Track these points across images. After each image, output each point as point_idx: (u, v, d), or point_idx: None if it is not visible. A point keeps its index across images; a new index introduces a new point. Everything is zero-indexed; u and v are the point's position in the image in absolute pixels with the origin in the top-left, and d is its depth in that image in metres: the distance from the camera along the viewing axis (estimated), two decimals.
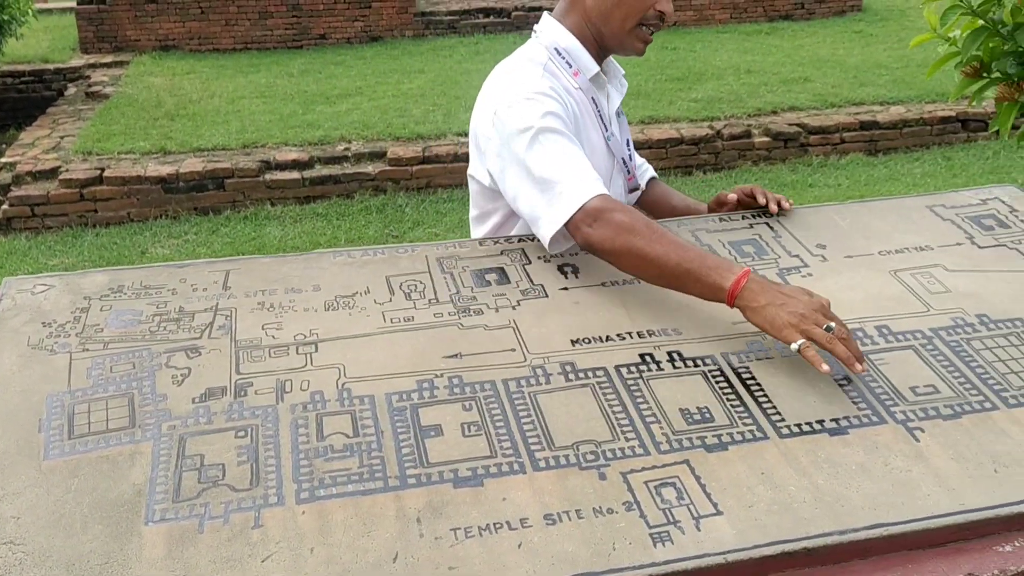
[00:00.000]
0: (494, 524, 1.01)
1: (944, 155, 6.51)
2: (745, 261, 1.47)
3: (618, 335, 1.31)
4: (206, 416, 1.13)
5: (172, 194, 5.54)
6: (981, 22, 2.30)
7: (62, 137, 6.35)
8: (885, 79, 7.72)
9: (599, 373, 1.24)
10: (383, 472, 1.07)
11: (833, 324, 1.19)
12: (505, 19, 9.94)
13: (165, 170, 5.57)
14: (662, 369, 1.25)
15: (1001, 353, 1.27)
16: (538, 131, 1.42)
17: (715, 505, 1.04)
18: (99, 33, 9.08)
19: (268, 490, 1.04)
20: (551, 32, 1.59)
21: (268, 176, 5.73)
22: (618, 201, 1.38)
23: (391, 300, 1.36)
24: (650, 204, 1.83)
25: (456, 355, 1.26)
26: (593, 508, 1.04)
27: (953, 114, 6.73)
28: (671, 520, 1.02)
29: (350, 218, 5.53)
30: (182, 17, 9.13)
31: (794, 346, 1.19)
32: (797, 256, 1.49)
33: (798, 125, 6.60)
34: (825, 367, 1.16)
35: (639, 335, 1.31)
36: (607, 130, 1.62)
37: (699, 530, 1.01)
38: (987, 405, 1.18)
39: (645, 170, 1.86)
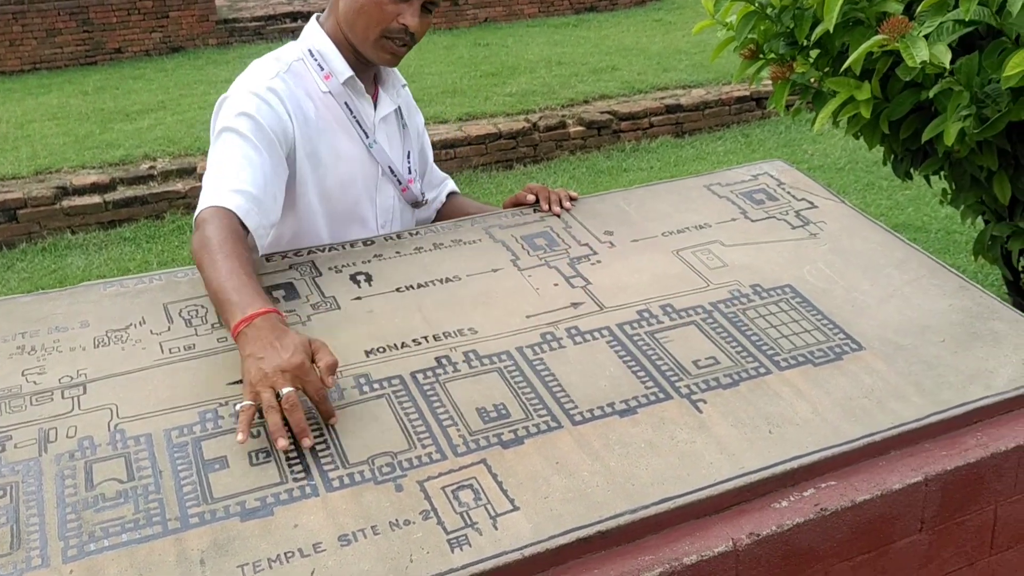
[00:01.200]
0: (285, 554, 0.97)
1: (743, 132, 6.93)
2: (538, 254, 1.49)
3: (413, 340, 1.29)
4: None
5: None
6: (751, 7, 2.43)
7: None
8: (685, 64, 8.12)
9: (395, 382, 1.21)
10: (161, 515, 1.00)
11: (288, 390, 1.08)
12: None
13: None
14: (459, 371, 1.24)
15: (772, 319, 1.35)
16: (224, 129, 1.42)
17: (511, 501, 1.04)
18: None
19: (31, 552, 0.95)
20: (310, 33, 1.56)
21: (66, 202, 5.34)
22: (225, 216, 1.32)
23: (169, 329, 1.28)
24: (447, 217, 1.78)
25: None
26: (389, 522, 1.01)
27: (748, 94, 7.16)
28: (469, 523, 1.01)
29: (161, 240, 5.23)
30: None
31: (238, 406, 1.11)
32: (587, 244, 1.52)
33: (609, 113, 6.83)
34: (240, 437, 1.07)
35: (435, 338, 1.30)
36: (368, 137, 1.57)
37: (496, 528, 1.01)
38: (762, 370, 1.25)
39: (444, 186, 1.84)
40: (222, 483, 1.05)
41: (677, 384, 1.22)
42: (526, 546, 0.99)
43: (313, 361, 1.14)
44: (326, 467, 1.08)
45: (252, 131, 1.40)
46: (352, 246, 1.51)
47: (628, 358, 1.27)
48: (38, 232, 5.26)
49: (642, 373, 1.24)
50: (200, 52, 9.03)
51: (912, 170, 2.54)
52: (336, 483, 1.06)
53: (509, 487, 1.06)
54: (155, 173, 5.67)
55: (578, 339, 1.30)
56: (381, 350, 1.27)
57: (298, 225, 1.55)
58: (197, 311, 1.32)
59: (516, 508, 1.03)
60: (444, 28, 10.05)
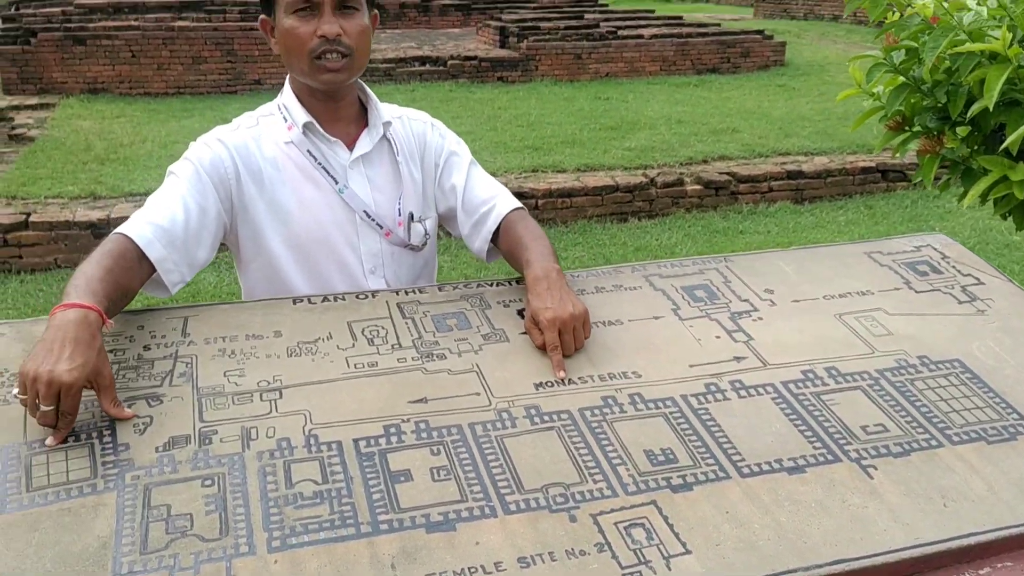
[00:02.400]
0: (468, 568, 1.02)
1: (866, 204, 6.79)
2: (699, 305, 1.52)
3: (579, 378, 1.33)
4: (171, 465, 1.11)
5: (102, 239, 5.38)
6: (903, 79, 2.43)
7: None
8: (808, 131, 8.05)
9: (563, 416, 1.26)
10: (355, 518, 1.07)
11: (45, 410, 1.10)
12: (441, 67, 10.07)
13: (95, 215, 5.43)
14: (624, 411, 1.27)
15: (943, 392, 1.34)
16: (169, 170, 1.52)
17: (683, 544, 1.07)
18: (23, 74, 8.86)
19: (239, 539, 1.03)
20: (284, 87, 1.62)
21: None
22: (121, 241, 1.38)
23: (354, 346, 1.36)
24: (500, 246, 1.64)
25: (422, 400, 1.26)
26: (566, 550, 1.05)
27: (873, 165, 7.04)
28: (642, 560, 1.04)
29: None
30: (112, 60, 8.99)
31: (14, 391, 1.15)
32: (747, 300, 1.54)
33: (728, 174, 6.81)
34: (50, 440, 1.13)
35: (600, 378, 1.34)
36: (337, 183, 1.56)
37: (670, 569, 1.03)
38: (933, 443, 1.24)
39: (494, 204, 1.63)
40: (407, 495, 1.10)
41: (846, 448, 1.22)
42: None
43: (91, 388, 1.15)
44: (503, 490, 1.12)
45: (187, 174, 1.49)
46: (519, 283, 1.57)
47: (794, 416, 1.28)
48: None
49: (809, 433, 1.25)
50: None
51: None
52: (513, 507, 1.10)
53: (680, 530, 1.08)
54: None
55: (742, 392, 1.32)
56: (549, 384, 1.32)
57: (268, 273, 1.59)
58: (378, 331, 1.40)
59: (688, 551, 1.06)
60: (566, 80, 10.25)
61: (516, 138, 7.61)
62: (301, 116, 1.56)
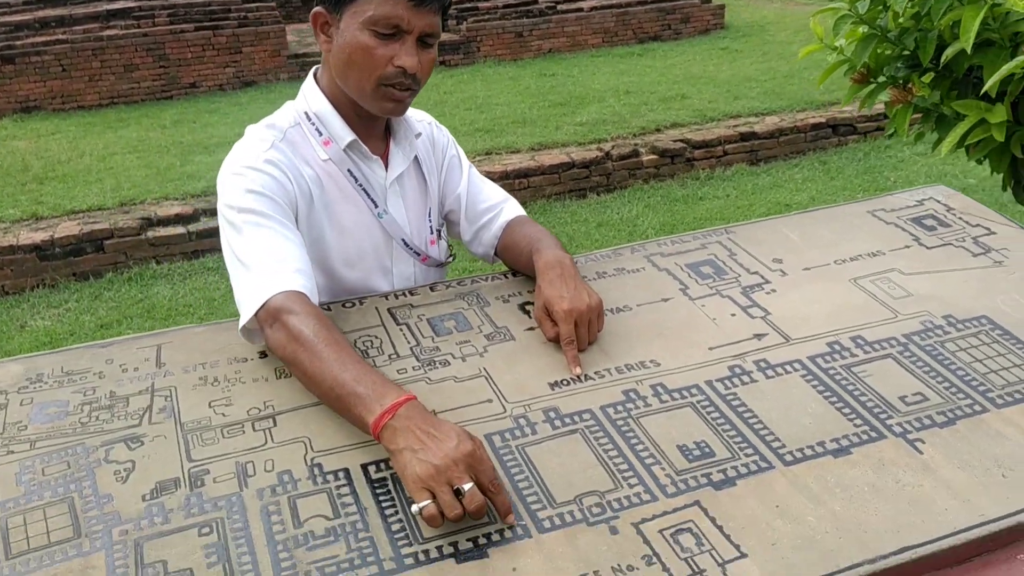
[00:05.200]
0: None
1: (820, 160, 6.80)
2: (707, 283, 1.43)
3: (596, 373, 1.24)
4: (161, 515, 0.99)
5: (48, 261, 5.15)
6: (869, 29, 2.37)
7: None
8: (756, 91, 8.04)
9: (585, 416, 1.16)
10: (375, 554, 0.96)
11: (469, 486, 0.97)
12: None
13: (38, 236, 5.18)
14: (649, 405, 1.18)
15: (976, 353, 1.27)
16: (239, 211, 1.28)
17: (737, 547, 0.98)
18: None
19: None
20: (307, 93, 1.42)
21: (150, 233, 5.42)
22: (304, 301, 1.20)
23: None
24: (501, 250, 1.55)
25: (430, 412, 1.15)
26: (612, 567, 0.95)
27: (824, 120, 7.05)
28: (696, 570, 0.95)
29: None
30: (42, 76, 8.61)
31: (414, 508, 0.97)
32: (757, 273, 1.46)
33: (682, 141, 6.76)
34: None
35: (618, 371, 1.24)
36: (377, 207, 1.42)
37: None
38: (977, 408, 1.17)
39: (499, 211, 1.55)
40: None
41: (888, 422, 1.15)
42: None
43: None
44: (533, 507, 1.03)
45: (271, 208, 1.28)
46: (514, 275, 1.47)
47: (828, 393, 1.19)
48: (124, 262, 5.34)
49: (847, 410, 1.17)
50: (272, 86, 9.20)
51: None
52: (547, 524, 1.00)
53: (731, 532, 1.00)
54: None
55: (769, 372, 1.23)
56: (565, 382, 1.22)
57: None
58: (372, 341, 1.29)
59: (743, 555, 0.97)
60: (509, 59, 10.11)
61: (466, 122, 7.48)
62: (344, 133, 1.39)
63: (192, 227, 5.52)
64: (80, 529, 0.97)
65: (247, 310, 1.21)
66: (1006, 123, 2.06)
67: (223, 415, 1.14)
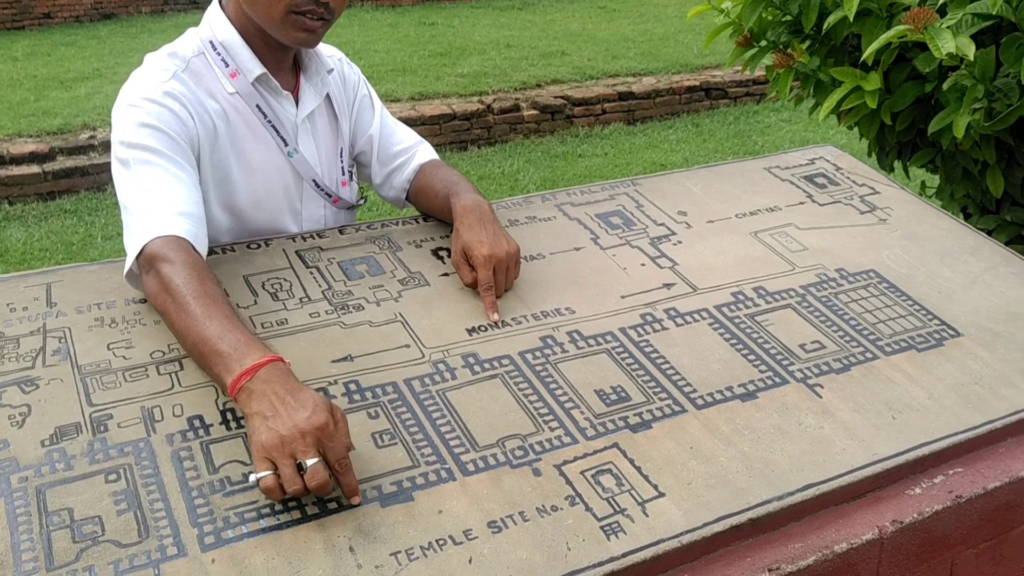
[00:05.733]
0: (436, 541, 0.91)
1: (693, 122, 7.00)
2: (617, 233, 1.45)
3: (513, 319, 1.24)
4: (63, 461, 0.93)
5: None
6: None
7: None
8: (634, 52, 8.16)
9: (504, 362, 1.16)
10: (297, 500, 0.93)
11: (313, 462, 0.90)
12: None
13: None
14: (566, 351, 1.19)
15: (866, 304, 1.34)
16: (129, 146, 1.20)
17: (655, 487, 1.01)
18: None
19: (163, 540, 0.87)
20: (212, 20, 1.32)
21: (2, 172, 5.02)
22: (182, 247, 1.12)
23: (256, 302, 1.20)
24: (414, 193, 1.50)
25: (346, 358, 1.13)
26: (536, 508, 0.96)
27: (698, 83, 7.24)
28: (618, 509, 0.97)
29: (104, 213, 4.96)
30: None
31: (252, 478, 0.92)
32: (663, 224, 1.49)
33: (562, 98, 6.80)
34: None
35: (534, 317, 1.25)
36: (287, 144, 1.35)
37: (647, 515, 0.97)
38: (868, 355, 1.24)
39: (413, 154, 1.50)
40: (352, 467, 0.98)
41: (790, 368, 1.20)
42: (682, 533, 0.95)
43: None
44: (456, 450, 1.02)
45: (165, 145, 1.20)
46: (426, 219, 1.44)
47: (734, 341, 1.24)
48: None
49: (752, 357, 1.22)
50: (133, 20, 8.61)
51: (896, 162, 2.58)
52: (471, 467, 1.00)
53: (649, 472, 1.02)
54: (95, 143, 5.38)
55: (679, 321, 1.27)
56: (483, 328, 1.21)
57: None
58: (282, 284, 1.24)
59: (661, 494, 1.00)
60: (387, 6, 9.85)
61: None
62: (253, 65, 1.30)
63: (48, 166, 5.14)
64: None
65: (130, 255, 1.14)
66: (878, 91, 2.17)
67: (124, 358, 1.07)
